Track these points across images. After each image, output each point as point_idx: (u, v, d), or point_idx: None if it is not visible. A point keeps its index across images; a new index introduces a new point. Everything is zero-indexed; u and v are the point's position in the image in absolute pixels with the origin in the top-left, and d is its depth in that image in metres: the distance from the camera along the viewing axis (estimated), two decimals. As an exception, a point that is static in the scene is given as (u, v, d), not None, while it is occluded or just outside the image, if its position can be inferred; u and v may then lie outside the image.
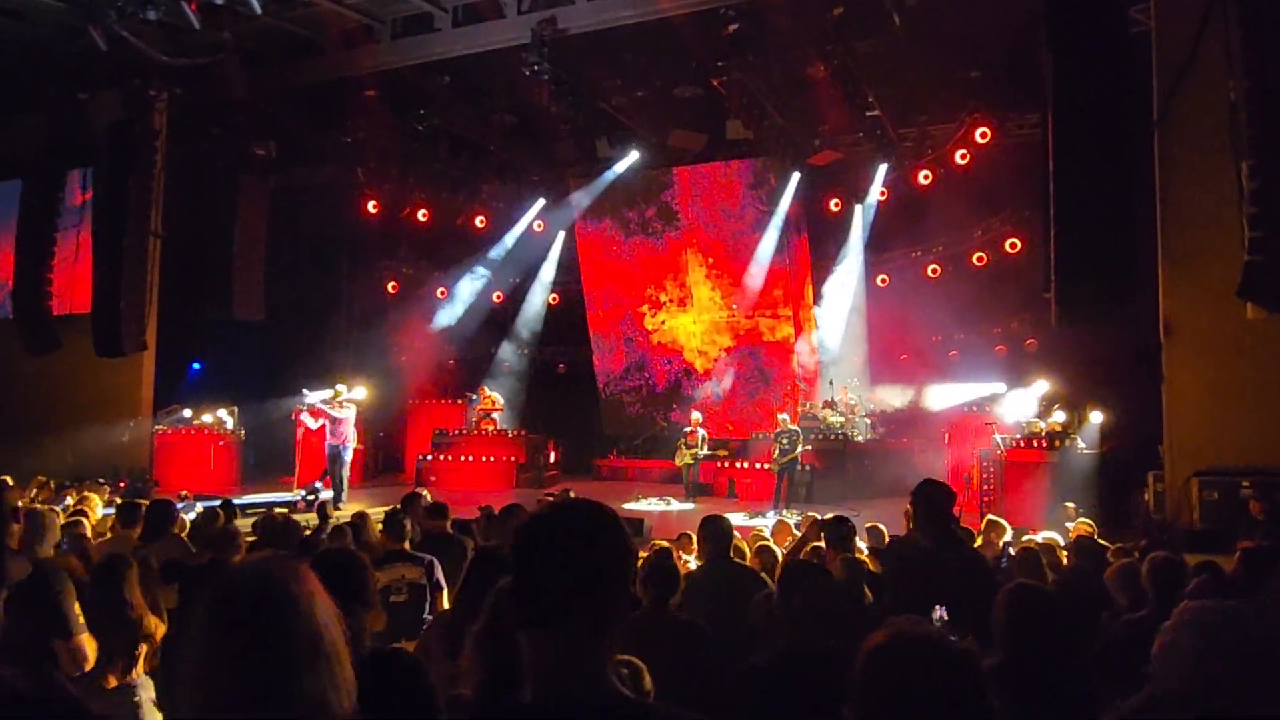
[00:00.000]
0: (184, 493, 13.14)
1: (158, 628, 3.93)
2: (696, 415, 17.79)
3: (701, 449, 17.08)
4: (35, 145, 17.22)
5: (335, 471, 15.18)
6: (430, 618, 5.43)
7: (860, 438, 18.26)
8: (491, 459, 19.27)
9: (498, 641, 1.89)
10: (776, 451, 15.79)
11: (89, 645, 3.66)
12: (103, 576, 3.95)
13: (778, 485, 15.53)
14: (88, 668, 3.63)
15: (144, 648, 3.79)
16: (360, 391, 16.04)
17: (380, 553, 5.99)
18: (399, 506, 7.09)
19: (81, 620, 3.66)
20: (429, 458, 19.51)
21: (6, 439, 14.98)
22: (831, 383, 19.04)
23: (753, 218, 20.52)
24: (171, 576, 5.12)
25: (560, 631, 1.65)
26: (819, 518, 6.97)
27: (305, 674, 1.69)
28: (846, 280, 20.29)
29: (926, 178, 18.50)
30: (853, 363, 20.01)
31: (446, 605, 5.44)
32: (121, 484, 15.15)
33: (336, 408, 15.17)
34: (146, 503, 7.18)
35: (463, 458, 19.35)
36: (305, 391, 15.63)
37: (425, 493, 9.15)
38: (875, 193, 19.47)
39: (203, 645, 1.70)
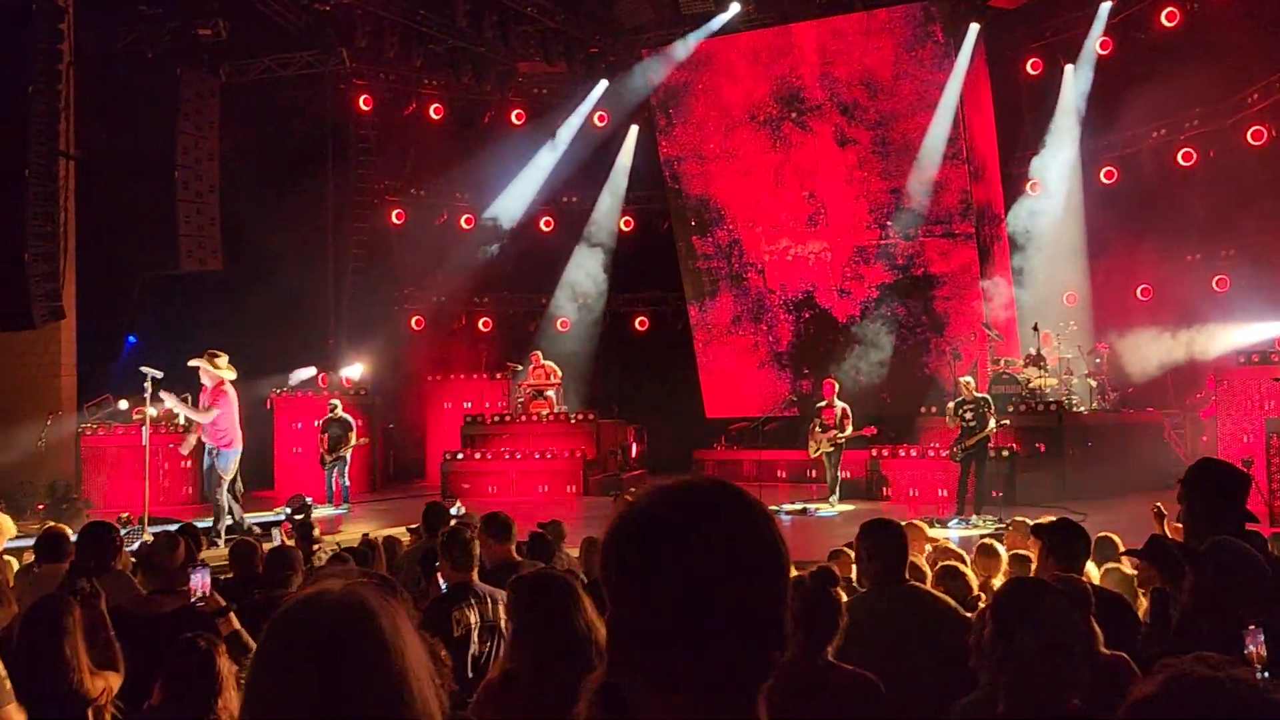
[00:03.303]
0: (125, 515, 13.50)
1: (106, 692, 4.05)
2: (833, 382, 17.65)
3: (843, 430, 16.83)
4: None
5: (213, 488, 13.68)
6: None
7: (1082, 408, 18.00)
8: (548, 455, 19.46)
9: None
10: (958, 432, 15.60)
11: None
12: (32, 628, 4.08)
13: (961, 480, 15.33)
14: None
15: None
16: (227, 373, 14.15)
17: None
18: (440, 523, 7.16)
19: (8, 687, 3.78)
20: (459, 456, 19.78)
21: None
22: (1036, 328, 18.70)
23: (912, 92, 20.21)
24: (118, 630, 5.21)
25: (682, 695, 1.51)
26: (1031, 524, 6.85)
27: None
28: (1054, 177, 19.94)
29: (1172, 18, 18.12)
30: (1068, 299, 19.77)
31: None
32: (40, 506, 15.67)
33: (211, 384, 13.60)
34: (76, 530, 7.22)
35: (506, 454, 19.61)
36: (146, 371, 13.23)
37: (458, 505, 9.30)
38: (1094, 46, 19.10)
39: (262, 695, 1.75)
